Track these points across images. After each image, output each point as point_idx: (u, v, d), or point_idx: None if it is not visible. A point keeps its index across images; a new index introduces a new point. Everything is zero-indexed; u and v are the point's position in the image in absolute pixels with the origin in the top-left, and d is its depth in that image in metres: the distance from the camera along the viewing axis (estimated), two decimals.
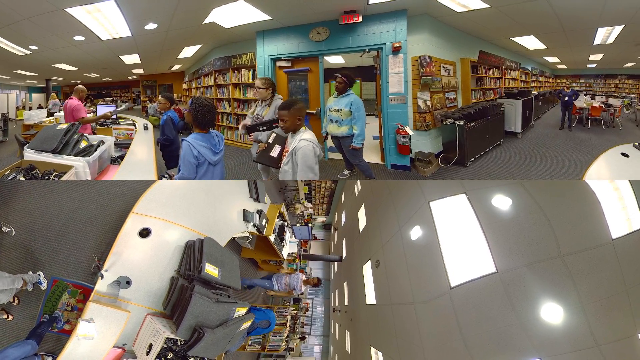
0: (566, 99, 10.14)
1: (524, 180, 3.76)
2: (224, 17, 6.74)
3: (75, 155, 3.77)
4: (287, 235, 6.01)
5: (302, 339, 10.71)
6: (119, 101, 13.37)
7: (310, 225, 8.99)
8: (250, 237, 4.96)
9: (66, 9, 5.74)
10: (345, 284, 9.56)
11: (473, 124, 7.09)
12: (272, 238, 4.85)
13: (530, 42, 9.19)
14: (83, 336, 2.56)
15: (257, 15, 6.45)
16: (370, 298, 6.49)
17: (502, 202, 3.77)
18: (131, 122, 7.08)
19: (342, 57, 10.85)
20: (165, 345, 2.73)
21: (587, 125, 10.95)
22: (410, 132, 6.62)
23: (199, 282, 2.78)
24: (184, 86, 12.06)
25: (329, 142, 6.46)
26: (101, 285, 2.68)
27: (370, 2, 5.94)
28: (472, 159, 7.17)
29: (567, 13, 6.75)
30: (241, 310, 3.06)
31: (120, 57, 9.13)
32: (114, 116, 6.66)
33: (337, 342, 10.94)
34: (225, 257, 3.17)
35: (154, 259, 2.84)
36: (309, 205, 10.83)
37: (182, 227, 3.03)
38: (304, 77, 7.00)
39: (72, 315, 3.73)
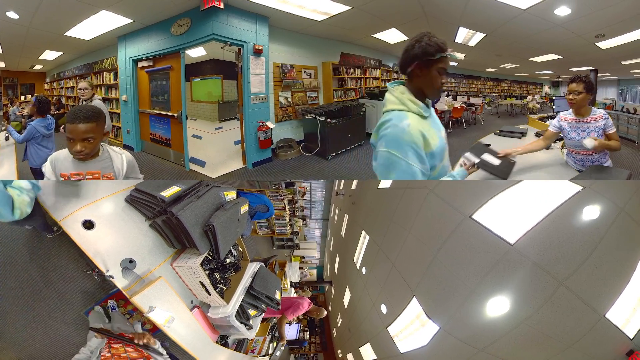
0: None
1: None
2: (85, 30, 6.92)
3: None
4: None
5: (303, 219, 10.82)
6: None
7: None
8: None
9: None
10: None
11: (334, 120, 7.84)
12: None
13: (392, 36, 9.43)
14: (167, 322, 2.72)
15: (119, 21, 6.66)
16: (385, 182, 6.54)
17: (592, 211, 3.59)
18: None
19: (204, 49, 10.99)
20: (207, 272, 2.90)
21: (449, 129, 11.29)
22: (272, 126, 7.04)
23: (172, 204, 2.78)
24: (46, 87, 11.81)
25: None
26: (120, 283, 2.67)
27: None
28: (334, 154, 7.93)
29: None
30: (231, 194, 3.18)
31: None
32: None
33: (334, 225, 11.49)
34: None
35: (123, 231, 2.77)
36: None
37: (107, 198, 2.81)
38: (165, 76, 7.21)
39: (137, 317, 3.86)
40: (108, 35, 7.30)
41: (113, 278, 2.61)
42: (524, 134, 6.10)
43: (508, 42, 8.97)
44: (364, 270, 7.03)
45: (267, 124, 6.95)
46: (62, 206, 2.59)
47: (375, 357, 7.39)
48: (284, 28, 7.39)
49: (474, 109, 12.55)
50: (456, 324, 4.33)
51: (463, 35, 8.68)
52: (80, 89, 5.57)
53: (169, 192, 2.79)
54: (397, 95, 2.18)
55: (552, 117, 8.34)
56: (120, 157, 2.79)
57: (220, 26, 6.42)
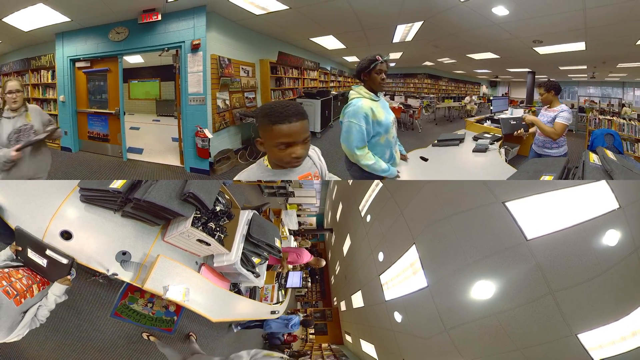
0: None
1: None
2: (23, 20, 6.90)
3: None
4: None
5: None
6: None
7: None
8: None
9: None
10: None
11: None
12: None
13: (330, 42, 9.92)
14: (184, 295, 2.86)
15: (56, 17, 6.69)
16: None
17: (613, 236, 3.53)
18: None
19: (142, 57, 11.30)
20: (200, 228, 2.94)
21: None
22: (210, 136, 6.87)
23: (131, 193, 2.75)
24: None
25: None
26: (126, 277, 2.72)
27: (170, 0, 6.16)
28: None
29: (366, 11, 7.18)
30: None
31: None
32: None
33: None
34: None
35: (100, 229, 2.74)
36: None
37: (64, 204, 2.69)
38: (103, 77, 7.39)
39: (159, 302, 3.98)
40: (46, 30, 7.26)
41: (117, 275, 2.67)
42: (461, 140, 6.39)
43: (445, 32, 9.07)
44: (368, 218, 7.06)
45: (205, 131, 6.82)
46: (32, 226, 2.56)
47: (363, 305, 7.77)
48: (221, 15, 7.23)
49: (412, 112, 12.62)
50: (441, 290, 4.46)
51: (401, 32, 8.98)
52: (10, 92, 3.90)
53: (119, 184, 2.71)
54: (357, 90, 3.52)
55: (490, 119, 8.98)
56: (315, 152, 2.52)
57: (158, 37, 6.67)
